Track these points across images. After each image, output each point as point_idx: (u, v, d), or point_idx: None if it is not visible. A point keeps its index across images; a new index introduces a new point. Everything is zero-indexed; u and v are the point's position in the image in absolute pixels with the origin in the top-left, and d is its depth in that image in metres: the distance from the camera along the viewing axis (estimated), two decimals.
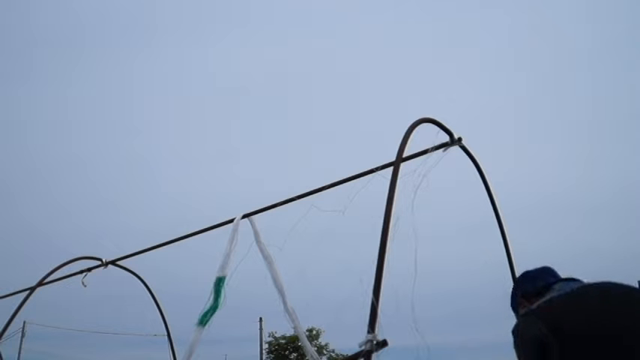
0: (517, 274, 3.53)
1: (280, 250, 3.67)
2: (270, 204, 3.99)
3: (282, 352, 30.81)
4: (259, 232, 3.87)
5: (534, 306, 2.13)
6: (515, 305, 2.40)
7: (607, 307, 1.92)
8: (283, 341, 30.67)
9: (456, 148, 3.17)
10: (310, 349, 3.72)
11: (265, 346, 30.88)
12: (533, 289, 2.25)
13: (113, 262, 5.01)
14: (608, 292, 2.00)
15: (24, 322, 27.03)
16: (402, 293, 2.52)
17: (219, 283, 3.73)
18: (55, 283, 4.93)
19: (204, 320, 3.67)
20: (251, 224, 3.93)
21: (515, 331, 2.10)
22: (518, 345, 2.06)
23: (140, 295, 5.38)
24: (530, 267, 2.40)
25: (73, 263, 4.94)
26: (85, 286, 4.94)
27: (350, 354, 2.61)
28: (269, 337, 31.24)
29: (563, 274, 2.33)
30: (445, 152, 3.14)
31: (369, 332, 2.22)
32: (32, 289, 4.65)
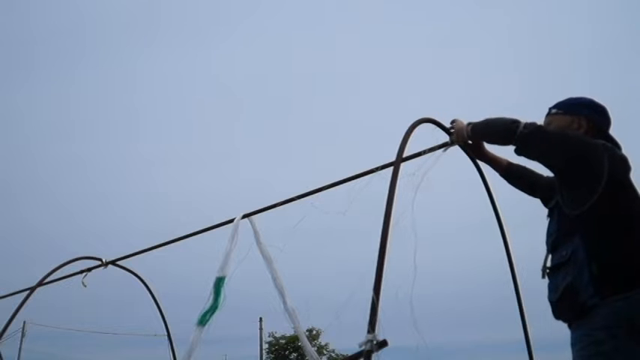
0: (517, 275, 3.54)
1: (281, 251, 3.67)
2: (270, 204, 3.99)
3: (282, 352, 30.84)
4: (259, 232, 3.87)
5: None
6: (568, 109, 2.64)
7: None
8: (283, 341, 30.70)
9: (456, 148, 3.16)
10: (310, 349, 3.71)
11: (265, 346, 30.91)
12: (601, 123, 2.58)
13: (113, 262, 5.00)
14: None
15: (24, 322, 27.00)
16: (402, 293, 2.52)
17: (219, 283, 3.72)
18: (55, 283, 4.92)
19: (204, 320, 3.66)
20: (251, 224, 3.93)
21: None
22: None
23: (140, 295, 5.37)
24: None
25: (73, 263, 4.93)
26: (85, 286, 4.94)
27: (350, 354, 2.61)
28: (269, 337, 31.29)
29: None
30: (445, 152, 3.13)
31: (369, 332, 2.22)
32: (32, 289, 4.64)
